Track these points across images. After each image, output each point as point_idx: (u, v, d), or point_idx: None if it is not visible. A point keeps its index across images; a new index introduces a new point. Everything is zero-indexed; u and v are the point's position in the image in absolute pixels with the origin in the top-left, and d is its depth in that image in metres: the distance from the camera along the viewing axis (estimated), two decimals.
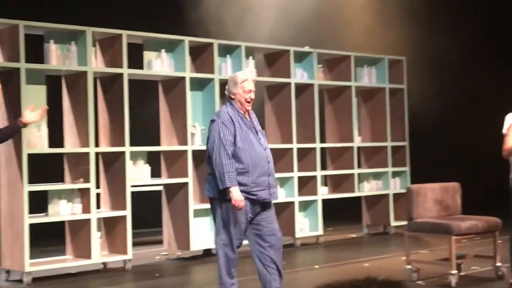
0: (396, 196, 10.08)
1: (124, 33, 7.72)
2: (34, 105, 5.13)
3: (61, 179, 7.73)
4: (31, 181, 7.07)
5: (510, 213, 6.01)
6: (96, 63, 7.71)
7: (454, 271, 6.17)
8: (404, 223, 7.00)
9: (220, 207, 5.41)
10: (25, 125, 5.10)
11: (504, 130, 5.95)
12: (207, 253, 8.46)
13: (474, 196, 7.61)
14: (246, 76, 5.51)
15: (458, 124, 10.95)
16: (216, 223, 5.55)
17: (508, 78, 6.88)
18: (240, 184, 5.25)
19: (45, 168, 7.96)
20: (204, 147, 8.21)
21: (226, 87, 5.54)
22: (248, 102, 5.46)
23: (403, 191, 9.47)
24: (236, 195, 5.22)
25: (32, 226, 7.02)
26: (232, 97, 5.48)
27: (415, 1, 11.50)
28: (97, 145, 7.69)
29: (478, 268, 6.88)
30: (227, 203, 5.32)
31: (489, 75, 10.06)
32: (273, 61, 9.39)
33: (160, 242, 8.81)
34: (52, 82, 7.60)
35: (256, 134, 5.50)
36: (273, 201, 5.56)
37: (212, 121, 5.47)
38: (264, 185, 5.41)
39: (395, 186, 10.21)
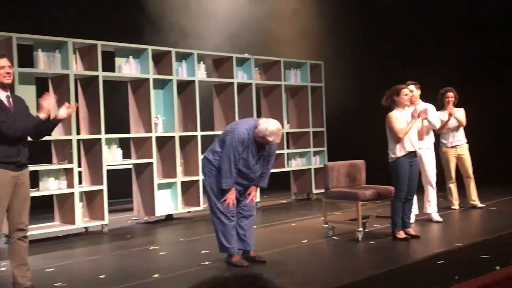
0: (316, 170, 10.22)
1: (99, 43, 7.60)
2: (50, 96, 4.91)
3: (49, 161, 7.64)
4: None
5: (392, 183, 6.32)
6: (76, 67, 7.57)
7: (360, 229, 6.31)
8: (322, 191, 7.17)
9: (210, 184, 5.34)
10: (60, 120, 4.90)
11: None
12: (169, 217, 8.49)
13: (375, 170, 7.83)
14: (272, 137, 5.16)
15: (365, 113, 11.18)
16: (207, 196, 5.43)
17: (403, 75, 7.16)
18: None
19: (35, 151, 7.85)
20: (164, 134, 8.33)
21: (260, 126, 5.14)
22: (262, 144, 5.24)
23: (321, 166, 9.72)
24: (230, 196, 5.25)
25: None
26: (257, 135, 5.18)
27: (334, 14, 11.67)
28: (78, 133, 7.58)
29: (379, 225, 7.04)
30: (212, 180, 5.30)
31: (387, 74, 10.29)
32: (219, 65, 9.35)
33: (130, 209, 8.76)
34: (40, 83, 7.44)
35: (258, 159, 5.34)
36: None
37: (231, 132, 5.24)
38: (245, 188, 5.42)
39: (316, 162, 10.35)
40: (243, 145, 5.19)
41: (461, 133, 8.06)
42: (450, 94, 7.94)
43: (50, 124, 4.91)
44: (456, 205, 8.12)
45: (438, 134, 7.91)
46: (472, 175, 8.14)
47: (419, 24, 11.37)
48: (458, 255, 5.46)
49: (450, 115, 7.80)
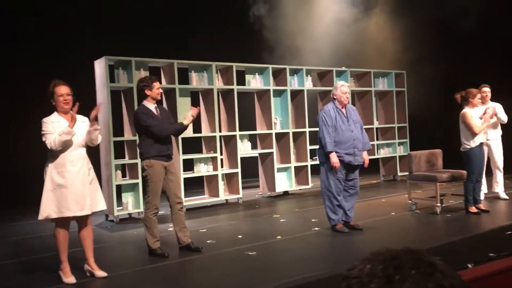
0: (400, 157, 9.87)
1: (234, 64, 7.72)
2: (198, 109, 4.85)
3: (200, 151, 7.87)
4: (184, 152, 7.30)
5: (464, 168, 5.99)
6: (218, 83, 7.74)
7: (439, 204, 6.11)
8: (405, 173, 6.94)
9: (324, 168, 5.27)
10: (187, 125, 4.91)
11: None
12: (285, 193, 8.55)
13: (449, 157, 7.44)
14: (343, 83, 5.30)
15: (440, 111, 10.57)
16: (321, 179, 5.30)
17: (472, 80, 6.72)
18: (336, 151, 5.14)
19: (190, 144, 8.12)
20: (281, 131, 8.42)
21: (332, 90, 5.34)
22: (343, 101, 5.21)
23: (405, 154, 9.40)
24: (334, 159, 5.12)
25: (186, 179, 7.23)
26: (334, 97, 5.29)
27: (414, 31, 11.19)
28: (220, 131, 7.77)
29: (454, 201, 6.75)
30: (325, 164, 5.22)
31: (459, 78, 9.71)
32: (322, 76, 9.22)
33: (257, 186, 8.87)
34: (194, 96, 7.70)
35: (348, 121, 5.23)
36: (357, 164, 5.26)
37: (321, 112, 5.29)
38: (351, 153, 5.20)
39: (400, 151, 9.98)
40: (330, 114, 5.17)
41: None
42: None
43: (180, 126, 4.87)
44: None
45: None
46: None
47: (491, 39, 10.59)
48: None
49: None
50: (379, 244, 4.68)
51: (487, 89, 6.59)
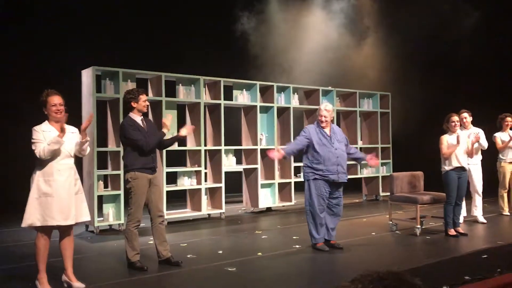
0: (383, 177, 10.01)
1: (222, 79, 7.73)
2: (171, 116, 5.01)
3: (184, 164, 7.84)
4: (168, 164, 7.22)
5: (444, 191, 6.10)
6: (205, 97, 7.77)
7: (419, 226, 6.18)
8: (388, 194, 7.01)
9: (308, 185, 5.31)
10: (182, 137, 5.03)
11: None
12: (268, 209, 8.56)
13: (431, 180, 7.55)
14: (326, 105, 5.43)
15: (423, 133, 10.68)
16: (305, 196, 5.37)
17: (457, 105, 6.93)
18: (317, 169, 5.22)
19: (175, 157, 8.01)
20: (267, 147, 8.45)
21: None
22: (322, 121, 5.36)
23: (388, 174, 9.50)
24: (272, 152, 5.21)
25: (169, 192, 7.16)
26: (317, 115, 5.44)
27: (398, 53, 11.41)
28: (205, 145, 7.77)
29: (434, 224, 6.85)
30: (310, 182, 5.28)
31: (442, 101, 9.90)
32: (309, 95, 9.28)
33: (241, 201, 8.89)
34: (180, 109, 7.69)
35: (331, 140, 5.31)
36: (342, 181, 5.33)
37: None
38: (334, 171, 5.28)
39: (383, 171, 10.10)
40: (311, 131, 5.30)
41: None
42: (509, 118, 7.55)
43: (172, 139, 5.03)
44: (506, 211, 7.59)
45: (495, 151, 7.53)
46: None
47: (478, 58, 10.84)
48: (500, 251, 5.17)
49: (510, 136, 7.41)
50: (359, 264, 4.74)
51: (465, 114, 6.71)
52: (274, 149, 5.36)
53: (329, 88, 9.47)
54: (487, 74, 11.15)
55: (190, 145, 7.73)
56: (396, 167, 9.81)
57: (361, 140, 10.02)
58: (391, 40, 11.19)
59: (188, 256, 5.14)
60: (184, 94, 7.57)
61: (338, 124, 9.86)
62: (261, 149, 8.34)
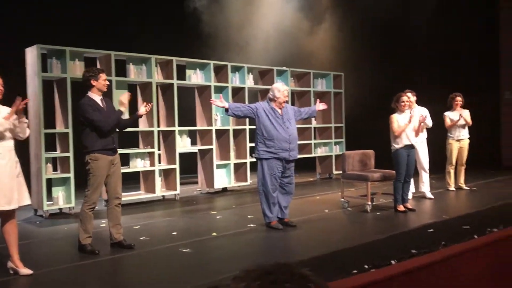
0: (336, 156, 10.13)
1: (174, 58, 7.59)
2: (129, 94, 4.84)
3: (137, 146, 7.66)
4: (120, 146, 7.09)
5: (393, 168, 6.26)
6: (157, 77, 7.59)
7: (369, 202, 6.34)
8: (340, 172, 7.13)
9: (261, 165, 5.31)
10: (140, 116, 4.93)
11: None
12: (224, 190, 8.55)
13: (381, 158, 7.73)
14: (286, 88, 5.40)
15: (375, 113, 10.82)
16: (258, 176, 5.36)
17: (408, 83, 7.09)
18: (270, 147, 5.22)
19: (127, 139, 7.90)
20: (221, 127, 8.40)
21: (270, 91, 5.39)
22: (282, 103, 5.33)
23: (341, 153, 9.66)
24: (217, 101, 5.24)
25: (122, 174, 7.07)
26: (274, 98, 5.32)
27: (353, 34, 11.52)
28: (158, 126, 7.65)
29: (384, 200, 7.02)
30: (262, 162, 5.28)
31: (394, 81, 10.12)
32: (264, 75, 9.25)
33: (196, 183, 8.84)
34: (131, 89, 7.30)
35: (282, 120, 5.31)
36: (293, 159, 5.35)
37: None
38: (285, 148, 5.28)
39: (336, 150, 10.25)
40: (259, 109, 5.29)
41: (465, 130, 7.86)
42: (459, 98, 7.79)
43: (131, 118, 4.95)
44: (452, 187, 7.91)
45: (444, 129, 7.79)
46: (465, 164, 7.99)
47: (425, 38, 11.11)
48: (445, 225, 5.41)
49: (460, 115, 7.67)
50: (311, 241, 4.82)
51: (409, 94, 6.84)
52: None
53: (284, 68, 9.48)
54: (440, 56, 11.47)
55: (143, 126, 7.56)
56: (349, 146, 9.98)
57: (315, 120, 10.12)
58: (348, 22, 11.29)
59: (141, 238, 5.08)
60: (135, 73, 7.38)
61: (293, 104, 9.93)
62: (216, 130, 8.28)
